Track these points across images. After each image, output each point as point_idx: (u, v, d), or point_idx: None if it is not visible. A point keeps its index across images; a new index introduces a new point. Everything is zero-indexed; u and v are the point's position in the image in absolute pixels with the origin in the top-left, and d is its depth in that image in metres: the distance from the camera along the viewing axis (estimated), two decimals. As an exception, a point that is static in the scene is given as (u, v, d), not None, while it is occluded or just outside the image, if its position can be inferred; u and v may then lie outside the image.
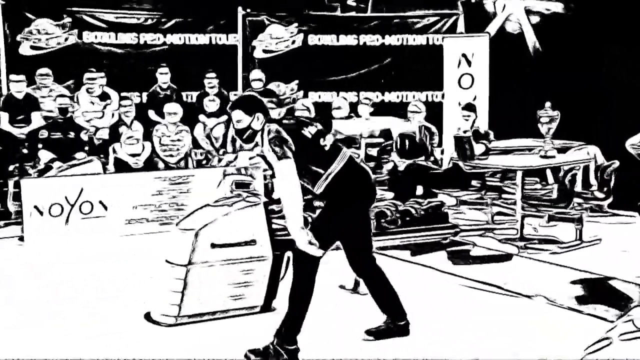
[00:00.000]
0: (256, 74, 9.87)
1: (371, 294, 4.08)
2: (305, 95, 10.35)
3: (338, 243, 3.91)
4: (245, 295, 4.29)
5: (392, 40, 10.80)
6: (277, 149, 3.58)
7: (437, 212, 5.26)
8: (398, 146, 4.08)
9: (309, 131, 3.73)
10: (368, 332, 4.08)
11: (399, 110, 9.36)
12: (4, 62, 9.58)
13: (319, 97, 10.57)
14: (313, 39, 10.80)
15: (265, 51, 10.74)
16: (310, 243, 3.56)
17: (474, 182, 8.02)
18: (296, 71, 10.61)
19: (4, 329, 4.43)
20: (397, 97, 10.69)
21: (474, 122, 8.37)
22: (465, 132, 8.22)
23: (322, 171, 3.70)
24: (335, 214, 3.78)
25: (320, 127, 3.81)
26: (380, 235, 5.01)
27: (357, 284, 5.05)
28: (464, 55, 9.60)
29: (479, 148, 7.85)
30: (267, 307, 4.55)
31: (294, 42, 10.77)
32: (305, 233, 3.56)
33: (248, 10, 10.64)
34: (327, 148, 3.73)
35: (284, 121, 3.79)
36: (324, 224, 3.79)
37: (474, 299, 5.03)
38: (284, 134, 3.61)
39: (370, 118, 9.46)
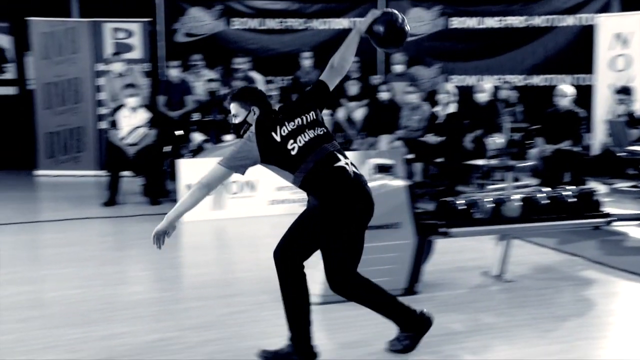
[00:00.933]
0: (397, 57, 9.84)
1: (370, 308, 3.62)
2: (447, 80, 10.20)
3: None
4: (389, 278, 4.31)
5: (539, 21, 10.38)
6: (233, 150, 3.46)
7: (589, 200, 5.00)
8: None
9: (281, 132, 3.44)
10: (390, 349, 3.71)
11: (545, 94, 9.01)
12: (165, 49, 10.23)
13: (462, 80, 10.38)
14: (455, 22, 10.59)
15: (407, 34, 10.64)
16: (158, 236, 3.38)
17: (628, 170, 7.61)
18: (438, 54, 10.47)
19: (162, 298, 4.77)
20: (545, 80, 10.27)
21: (630, 106, 7.91)
22: (619, 116, 7.81)
23: (290, 174, 3.48)
24: (316, 218, 3.50)
25: (301, 122, 3.47)
26: (527, 222, 4.85)
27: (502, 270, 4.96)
28: (618, 35, 9.06)
29: (634, 134, 7.43)
30: (410, 290, 4.58)
31: (436, 25, 10.62)
32: (166, 225, 3.37)
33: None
34: (294, 152, 3.41)
35: (272, 116, 3.51)
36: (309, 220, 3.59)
37: (628, 291, 4.78)
38: (251, 140, 3.43)
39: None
